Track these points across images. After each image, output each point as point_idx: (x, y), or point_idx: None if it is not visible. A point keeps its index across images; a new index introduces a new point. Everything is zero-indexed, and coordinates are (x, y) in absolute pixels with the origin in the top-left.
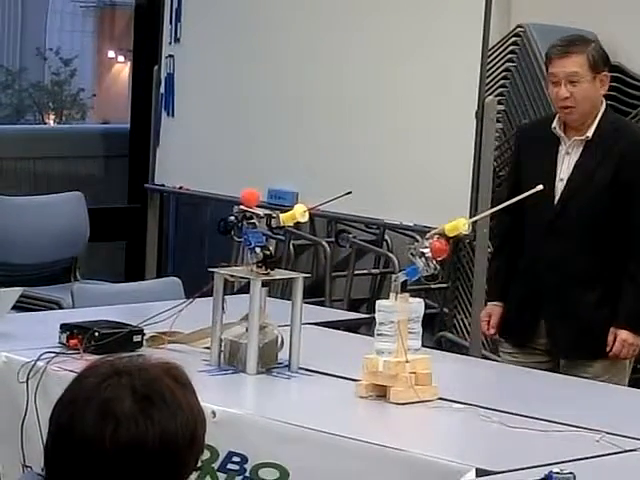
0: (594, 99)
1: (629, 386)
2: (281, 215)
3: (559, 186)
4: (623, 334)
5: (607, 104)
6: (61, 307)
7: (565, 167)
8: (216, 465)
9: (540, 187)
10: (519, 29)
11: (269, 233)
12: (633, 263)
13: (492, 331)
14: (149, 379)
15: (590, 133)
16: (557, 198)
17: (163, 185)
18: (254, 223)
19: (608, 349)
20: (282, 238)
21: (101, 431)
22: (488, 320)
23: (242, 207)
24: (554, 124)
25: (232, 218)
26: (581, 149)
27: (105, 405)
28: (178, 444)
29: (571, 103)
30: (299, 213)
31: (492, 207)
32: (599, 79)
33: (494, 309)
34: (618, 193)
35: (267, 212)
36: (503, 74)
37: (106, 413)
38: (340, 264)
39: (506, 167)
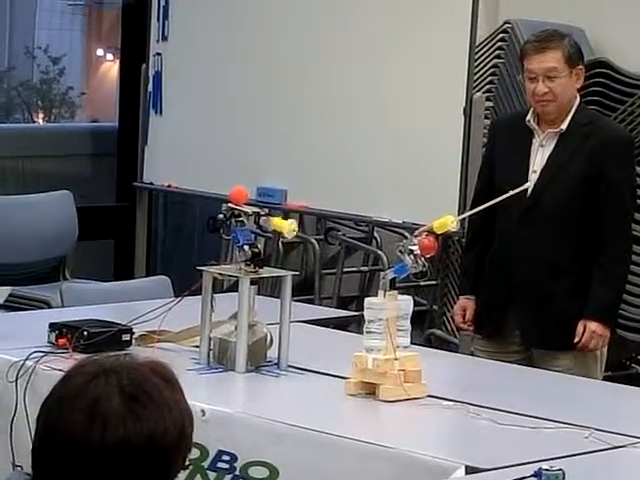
0: (571, 93)
1: (618, 382)
2: (272, 219)
3: (532, 178)
4: (592, 325)
5: (581, 99)
6: (50, 306)
7: (538, 159)
8: (206, 464)
9: (527, 185)
10: (507, 25)
11: (258, 231)
12: (603, 255)
13: (468, 325)
14: (137, 378)
15: (564, 126)
16: (530, 190)
17: (152, 183)
18: (242, 221)
19: (577, 340)
20: (271, 236)
21: (89, 431)
22: (463, 314)
23: (231, 205)
24: (528, 117)
25: (221, 216)
26: (555, 142)
27: (93, 404)
28: (166, 443)
29: (549, 98)
30: (287, 229)
31: (474, 203)
32: (575, 73)
33: (468, 303)
34: (591, 186)
35: (255, 210)
36: (491, 70)
37: (94, 413)
38: (329, 262)
39: None
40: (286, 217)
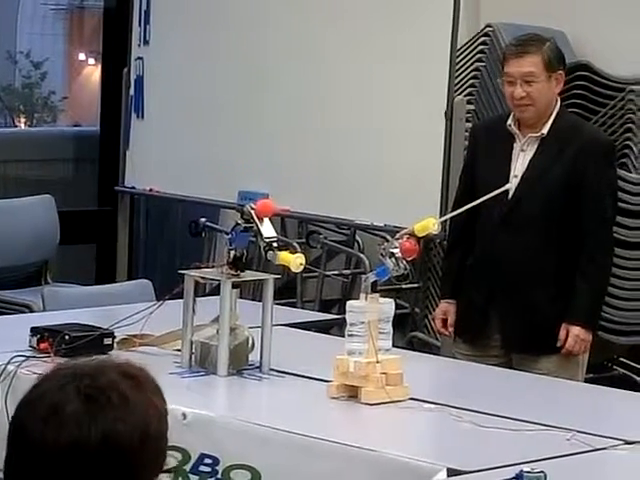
0: (549, 98)
1: (600, 384)
2: (279, 254)
3: (513, 182)
4: (575, 330)
5: (562, 102)
6: (32, 310)
7: (519, 164)
8: (188, 467)
9: (509, 186)
10: (488, 29)
11: (253, 239)
12: (585, 259)
13: (450, 330)
14: (100, 381)
15: (545, 130)
16: (511, 194)
17: (133, 187)
18: (249, 228)
19: (560, 344)
20: (253, 239)
21: (44, 432)
22: (443, 318)
23: (254, 215)
24: (509, 121)
25: (203, 220)
26: (536, 146)
27: (53, 407)
28: (124, 443)
29: (527, 102)
30: (294, 265)
31: (455, 207)
32: (554, 78)
33: (449, 307)
34: (572, 191)
35: (271, 240)
36: (472, 74)
37: (52, 414)
38: (311, 265)
39: None
40: (286, 248)
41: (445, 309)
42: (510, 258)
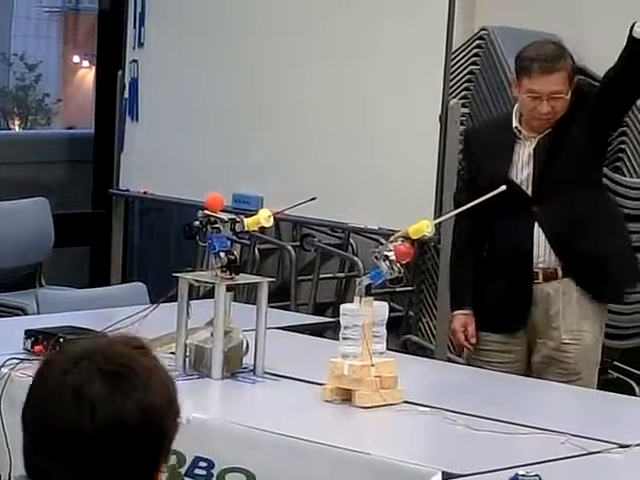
0: (567, 105)
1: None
2: (245, 220)
3: (526, 166)
4: None
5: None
6: (26, 313)
7: (526, 151)
8: (183, 470)
9: (503, 187)
10: (483, 32)
11: (234, 238)
12: None
13: (473, 341)
14: (111, 355)
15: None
16: (530, 173)
17: (128, 190)
18: (218, 228)
19: None
20: (247, 242)
21: (79, 418)
22: (464, 331)
23: (206, 212)
24: (515, 124)
25: (197, 223)
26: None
27: (76, 392)
28: (157, 409)
29: (550, 115)
30: (263, 218)
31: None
32: (572, 85)
33: (468, 318)
34: (599, 140)
35: (231, 217)
36: (467, 77)
37: (80, 399)
38: (305, 268)
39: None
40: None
41: (464, 321)
42: (553, 237)
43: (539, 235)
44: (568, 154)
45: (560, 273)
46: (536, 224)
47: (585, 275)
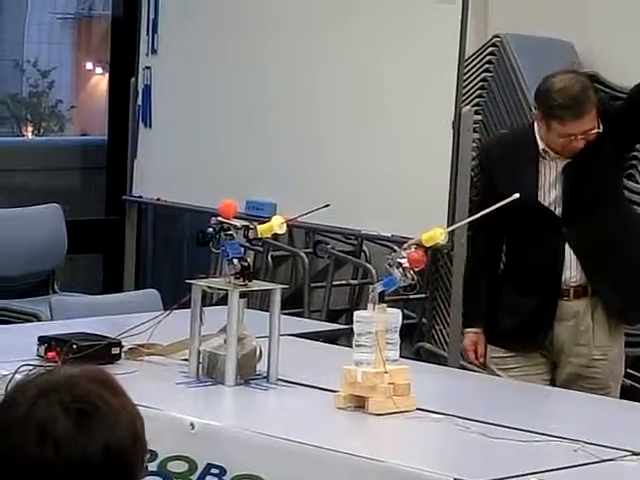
0: None
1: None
2: (259, 226)
3: (553, 186)
4: None
5: None
6: (39, 319)
7: (552, 169)
8: (195, 477)
9: (516, 195)
10: (496, 39)
11: (247, 244)
12: None
13: (482, 360)
14: (78, 391)
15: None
16: (560, 191)
17: (141, 197)
18: (232, 234)
19: None
20: (260, 249)
21: (43, 454)
22: (474, 349)
23: (220, 218)
24: (542, 146)
25: (210, 229)
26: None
27: (41, 428)
28: (122, 449)
29: (582, 146)
30: (277, 224)
31: (469, 217)
32: (600, 114)
33: (479, 337)
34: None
35: (244, 223)
36: (480, 84)
37: (44, 436)
38: (318, 275)
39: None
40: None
41: (474, 340)
42: (582, 253)
43: (570, 255)
44: (595, 173)
45: (590, 290)
46: (567, 245)
47: (615, 299)
